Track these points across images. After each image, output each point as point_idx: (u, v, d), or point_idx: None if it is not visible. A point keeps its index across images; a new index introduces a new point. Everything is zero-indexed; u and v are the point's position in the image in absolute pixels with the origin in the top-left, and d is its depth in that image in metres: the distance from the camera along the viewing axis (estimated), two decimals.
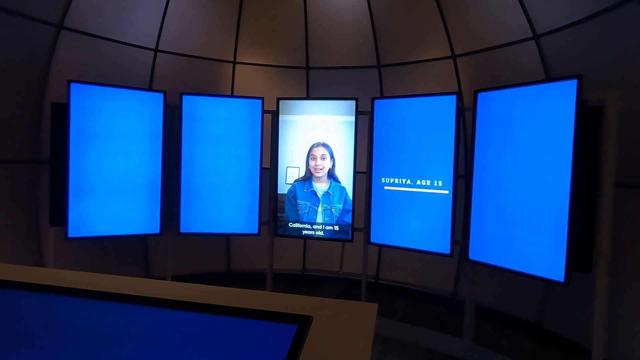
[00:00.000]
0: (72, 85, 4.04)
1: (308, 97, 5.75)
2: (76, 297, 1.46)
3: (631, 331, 3.42)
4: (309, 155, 4.51)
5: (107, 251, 4.93)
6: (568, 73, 3.22)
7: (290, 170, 4.57)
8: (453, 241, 3.89)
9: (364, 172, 4.47)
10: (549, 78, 4.02)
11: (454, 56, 4.94)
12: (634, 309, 3.42)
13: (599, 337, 3.01)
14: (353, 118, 4.38)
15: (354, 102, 4.39)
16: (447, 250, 3.91)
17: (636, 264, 3.41)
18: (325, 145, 4.47)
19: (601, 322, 3.00)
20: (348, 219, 4.42)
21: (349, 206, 4.42)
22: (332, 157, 4.46)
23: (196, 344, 1.25)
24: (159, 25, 5.06)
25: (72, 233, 4.09)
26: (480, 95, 3.69)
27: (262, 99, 4.60)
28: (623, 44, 3.40)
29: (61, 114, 4.04)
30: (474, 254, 3.73)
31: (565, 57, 3.97)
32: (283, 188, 4.59)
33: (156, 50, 5.14)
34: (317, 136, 4.50)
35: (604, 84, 3.38)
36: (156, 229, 4.50)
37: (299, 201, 4.53)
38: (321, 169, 4.46)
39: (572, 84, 3.00)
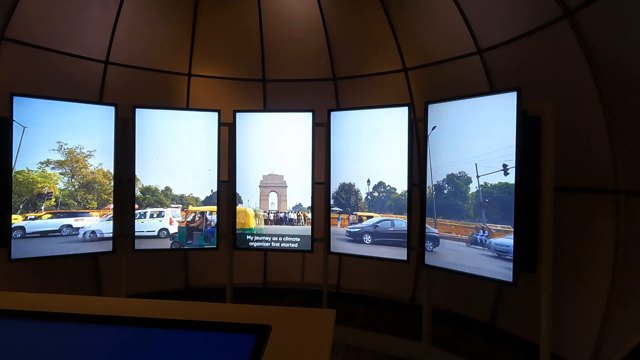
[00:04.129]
0: (15, 98, 3.84)
1: (265, 109, 5.76)
2: (20, 319, 1.39)
3: (575, 326, 3.65)
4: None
5: (55, 272, 4.67)
6: (510, 85, 3.42)
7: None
8: (409, 248, 4.01)
9: (322, 183, 4.52)
10: (493, 90, 4.27)
11: (405, 69, 5.14)
12: (577, 305, 3.66)
13: (545, 333, 3.18)
14: (310, 129, 4.44)
15: (310, 113, 4.45)
16: (404, 257, 4.02)
17: (578, 262, 3.66)
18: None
19: (547, 318, 3.18)
20: (308, 229, 4.45)
21: (309, 217, 4.45)
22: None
23: None
24: (110, 37, 4.92)
25: (15, 254, 3.85)
26: (430, 107, 3.86)
27: (219, 111, 4.56)
28: (557, 57, 3.68)
29: (4, 128, 3.81)
30: (430, 259, 3.85)
31: (507, 70, 4.24)
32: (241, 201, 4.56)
33: (106, 63, 4.98)
34: (274, 148, 4.52)
35: (542, 95, 3.64)
36: (109, 247, 4.31)
37: (259, 214, 4.52)
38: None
39: (513, 96, 3.21)
